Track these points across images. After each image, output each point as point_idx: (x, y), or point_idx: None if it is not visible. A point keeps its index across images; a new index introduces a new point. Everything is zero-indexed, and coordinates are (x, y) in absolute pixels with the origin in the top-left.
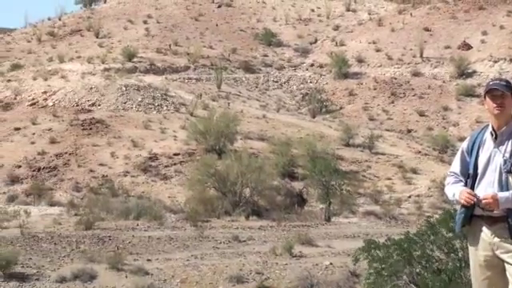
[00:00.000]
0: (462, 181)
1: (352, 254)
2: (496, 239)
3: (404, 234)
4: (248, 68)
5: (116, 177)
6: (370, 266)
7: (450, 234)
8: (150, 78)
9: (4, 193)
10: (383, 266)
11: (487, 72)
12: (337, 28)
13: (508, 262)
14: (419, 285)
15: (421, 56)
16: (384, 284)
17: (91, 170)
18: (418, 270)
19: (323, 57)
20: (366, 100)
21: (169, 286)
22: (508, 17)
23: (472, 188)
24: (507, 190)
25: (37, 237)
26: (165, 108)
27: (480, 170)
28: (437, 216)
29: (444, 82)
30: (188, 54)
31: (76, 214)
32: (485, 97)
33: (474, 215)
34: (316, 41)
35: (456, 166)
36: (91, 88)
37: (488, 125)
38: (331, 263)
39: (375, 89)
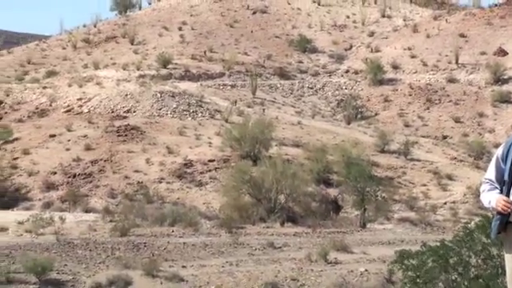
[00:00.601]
0: (497, 188)
1: (387, 260)
2: None
3: (440, 240)
4: (283, 74)
5: (151, 183)
6: (405, 275)
7: (487, 241)
8: (184, 85)
9: (39, 199)
10: (418, 273)
11: None
12: (372, 34)
13: None
14: None
15: (456, 62)
16: None
17: (126, 177)
18: (454, 277)
19: (358, 63)
20: (402, 106)
21: None
22: None
23: (507, 195)
24: None
25: (72, 243)
26: (200, 114)
27: None
28: (474, 222)
29: (479, 88)
30: (223, 60)
31: (111, 221)
32: None
33: (509, 222)
34: (351, 47)
35: (491, 172)
36: (126, 95)
37: None
38: (366, 270)
39: (410, 95)
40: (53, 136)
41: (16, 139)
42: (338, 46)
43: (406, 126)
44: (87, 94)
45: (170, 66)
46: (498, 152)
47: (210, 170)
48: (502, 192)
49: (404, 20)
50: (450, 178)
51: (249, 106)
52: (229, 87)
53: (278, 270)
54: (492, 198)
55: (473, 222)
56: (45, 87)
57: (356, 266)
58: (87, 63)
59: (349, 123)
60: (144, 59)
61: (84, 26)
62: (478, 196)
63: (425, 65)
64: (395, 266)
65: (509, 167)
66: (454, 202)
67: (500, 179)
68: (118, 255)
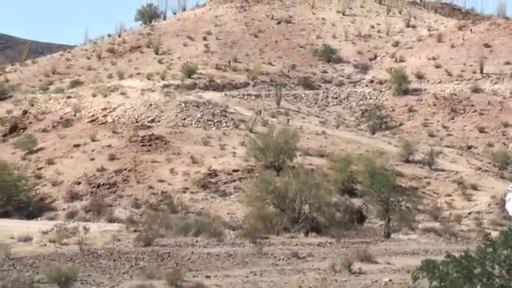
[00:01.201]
0: None
1: (412, 271)
2: None
3: (464, 251)
4: (307, 84)
5: (175, 193)
6: (430, 284)
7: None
8: (209, 95)
9: (63, 209)
10: (443, 284)
11: None
12: (396, 44)
13: None
14: None
15: (481, 72)
16: None
17: (150, 187)
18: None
19: (383, 73)
20: (426, 116)
21: None
22: None
23: None
24: None
25: (96, 253)
26: (224, 124)
27: None
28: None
29: (504, 98)
30: (247, 70)
31: (135, 231)
32: None
33: None
34: (375, 57)
35: None
36: (151, 104)
37: None
38: (391, 280)
39: (435, 105)
40: (77, 146)
41: (40, 149)
42: (363, 56)
43: (431, 135)
44: (112, 104)
45: (194, 76)
46: None
47: (234, 180)
48: None
49: (428, 30)
50: (474, 188)
51: (273, 116)
52: (253, 97)
53: (302, 280)
54: None
55: (498, 231)
56: (69, 97)
57: (380, 277)
58: (112, 73)
59: (373, 133)
60: (169, 69)
61: (109, 35)
62: (503, 206)
63: (449, 75)
64: (421, 273)
65: None
66: (478, 212)
67: None
68: (141, 265)
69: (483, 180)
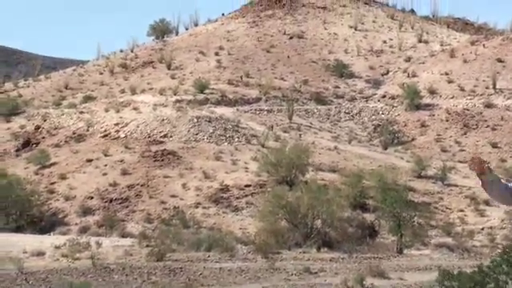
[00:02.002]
0: None
1: (424, 286)
2: None
3: (477, 266)
4: (319, 99)
5: (187, 208)
6: None
7: None
8: (221, 110)
9: (76, 224)
10: None
11: None
12: (409, 59)
13: None
14: None
15: (494, 87)
16: None
17: (163, 202)
18: None
19: (395, 88)
20: (439, 131)
21: None
22: None
23: None
24: None
25: (108, 268)
26: (236, 139)
27: None
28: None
29: None
30: (259, 85)
31: (147, 246)
32: None
33: None
34: (388, 72)
35: None
36: (163, 119)
37: None
38: None
39: (447, 120)
40: (90, 161)
41: (53, 164)
42: (375, 71)
43: (443, 151)
44: (124, 119)
45: (206, 91)
46: None
47: (246, 195)
48: None
49: (441, 45)
50: (487, 203)
51: (285, 131)
52: (265, 112)
53: None
54: None
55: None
56: (82, 112)
57: None
58: (124, 88)
59: (385, 148)
60: (181, 84)
61: (121, 51)
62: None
63: (462, 90)
64: (437, 286)
65: None
66: (491, 228)
67: None
68: (154, 280)
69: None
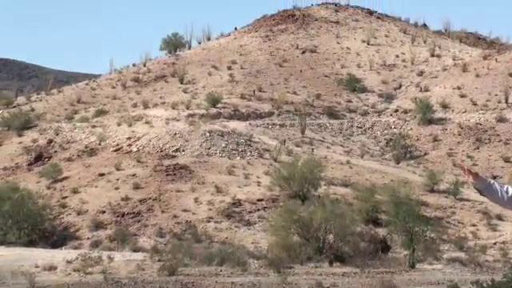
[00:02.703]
0: None
1: None
2: None
3: (491, 280)
4: (332, 114)
5: (199, 222)
6: None
7: None
8: (233, 124)
9: (88, 238)
10: None
11: None
12: (421, 74)
13: None
14: None
15: (506, 102)
16: None
17: (175, 216)
18: None
19: (407, 102)
20: (451, 146)
21: None
22: None
23: None
24: None
25: (120, 282)
26: (248, 154)
27: None
28: None
29: None
30: (272, 99)
31: (159, 260)
32: None
33: None
34: (400, 86)
35: None
36: (175, 134)
37: None
38: None
39: (460, 134)
40: (102, 175)
41: (65, 178)
42: (388, 86)
43: (456, 165)
44: (136, 133)
45: (219, 105)
46: None
47: (258, 210)
48: None
49: (453, 59)
50: (499, 218)
51: (298, 146)
52: (278, 126)
53: None
54: None
55: None
56: (94, 126)
57: None
58: (136, 102)
59: (398, 163)
60: (193, 98)
61: (134, 65)
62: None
63: (474, 104)
64: None
65: None
66: (503, 243)
67: None
68: None
69: (508, 210)
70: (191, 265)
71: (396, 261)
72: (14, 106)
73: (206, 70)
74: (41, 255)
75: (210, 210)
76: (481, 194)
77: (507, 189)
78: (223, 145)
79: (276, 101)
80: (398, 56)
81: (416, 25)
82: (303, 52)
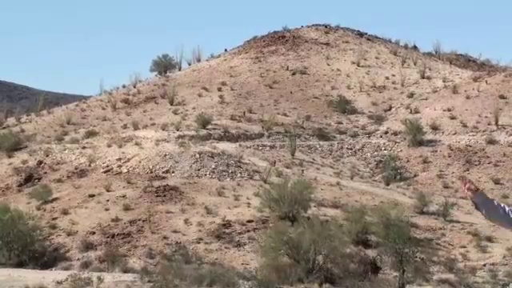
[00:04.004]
0: None
1: None
2: None
3: None
4: (322, 135)
5: (189, 244)
6: None
7: None
8: (223, 145)
9: (78, 259)
10: None
11: None
12: (411, 95)
13: None
14: None
15: (496, 123)
16: None
17: (165, 237)
18: None
19: (397, 124)
20: (441, 167)
21: None
22: None
23: None
24: None
25: None
26: (238, 175)
27: None
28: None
29: None
30: (262, 121)
31: (149, 281)
32: None
33: None
34: (390, 108)
35: None
36: (165, 155)
37: None
38: None
39: (450, 156)
40: (92, 196)
41: (55, 199)
42: (378, 107)
43: (446, 187)
44: (126, 155)
45: (209, 127)
46: None
47: (248, 231)
48: None
49: (443, 81)
50: (489, 239)
51: (287, 167)
52: (268, 148)
53: None
54: None
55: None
56: (84, 147)
57: None
58: (126, 123)
59: (388, 184)
60: (183, 119)
61: (123, 86)
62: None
63: (464, 126)
64: None
65: None
66: (493, 264)
67: None
68: None
69: (498, 232)
70: (181, 286)
71: (386, 282)
72: (4, 127)
73: (196, 91)
74: (31, 276)
75: (199, 231)
76: (476, 207)
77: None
78: (213, 166)
79: (266, 122)
80: (388, 78)
81: (406, 46)
82: (293, 73)
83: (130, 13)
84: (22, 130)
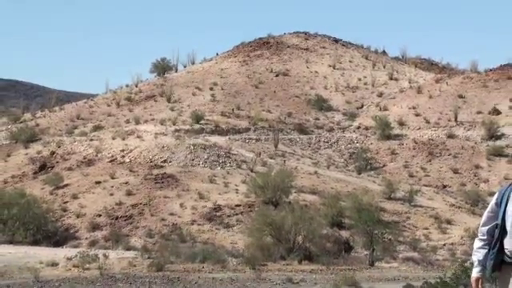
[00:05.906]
0: (487, 245)
1: None
2: None
3: (439, 277)
4: (302, 130)
5: (184, 225)
6: None
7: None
8: (215, 138)
9: (86, 238)
10: None
11: None
12: (381, 95)
13: None
14: None
15: (455, 120)
16: None
17: (162, 219)
18: None
19: (368, 120)
20: (406, 159)
21: None
22: None
23: (501, 238)
24: None
25: (114, 277)
26: (228, 164)
27: (508, 222)
28: (469, 262)
29: (476, 143)
30: (249, 117)
31: (149, 258)
32: None
33: (504, 262)
34: (362, 106)
35: (484, 222)
36: (163, 147)
37: None
38: None
39: (414, 149)
40: (98, 183)
41: (66, 185)
42: (351, 105)
43: (411, 176)
44: (129, 146)
45: (202, 122)
46: (493, 200)
47: (236, 214)
48: (491, 247)
49: (409, 82)
50: (449, 222)
51: (271, 158)
52: (254, 141)
53: None
54: (475, 270)
55: (469, 262)
56: (92, 140)
57: None
58: (129, 119)
59: (359, 173)
60: (179, 115)
61: (127, 86)
62: (474, 238)
63: (427, 122)
64: None
65: (502, 212)
66: (452, 244)
67: (491, 231)
68: None
69: (457, 215)
70: (177, 262)
71: (357, 259)
72: (21, 122)
73: (191, 90)
74: (44, 253)
75: (193, 213)
76: None
77: None
78: (205, 156)
79: (252, 118)
80: (360, 79)
81: (376, 52)
82: (277, 75)
83: (134, 19)
84: (37, 124)
